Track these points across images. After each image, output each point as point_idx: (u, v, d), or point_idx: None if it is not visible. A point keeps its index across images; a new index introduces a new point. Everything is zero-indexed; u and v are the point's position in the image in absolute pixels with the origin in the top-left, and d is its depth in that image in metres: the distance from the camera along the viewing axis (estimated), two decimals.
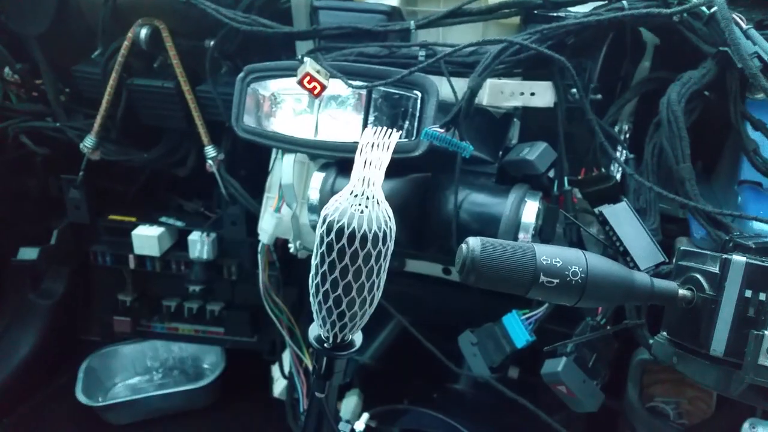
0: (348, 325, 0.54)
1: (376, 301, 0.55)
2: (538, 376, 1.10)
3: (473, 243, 0.54)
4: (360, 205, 0.54)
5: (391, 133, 0.56)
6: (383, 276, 0.53)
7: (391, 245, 0.54)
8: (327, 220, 0.55)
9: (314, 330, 0.61)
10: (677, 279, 0.62)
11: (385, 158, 0.55)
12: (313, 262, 0.57)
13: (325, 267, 0.55)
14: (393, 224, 0.56)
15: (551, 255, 0.54)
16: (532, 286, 0.54)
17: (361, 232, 0.53)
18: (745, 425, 1.18)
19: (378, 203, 0.55)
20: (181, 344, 1.76)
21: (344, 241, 0.53)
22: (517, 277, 0.53)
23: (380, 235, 0.54)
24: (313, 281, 0.58)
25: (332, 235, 0.53)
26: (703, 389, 1.25)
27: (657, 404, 1.31)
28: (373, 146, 0.55)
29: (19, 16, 1.28)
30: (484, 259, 0.53)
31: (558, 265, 0.54)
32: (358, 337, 0.58)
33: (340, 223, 0.54)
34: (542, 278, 0.53)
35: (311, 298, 0.59)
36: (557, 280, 0.53)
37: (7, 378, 1.63)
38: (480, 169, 1.05)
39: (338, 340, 0.55)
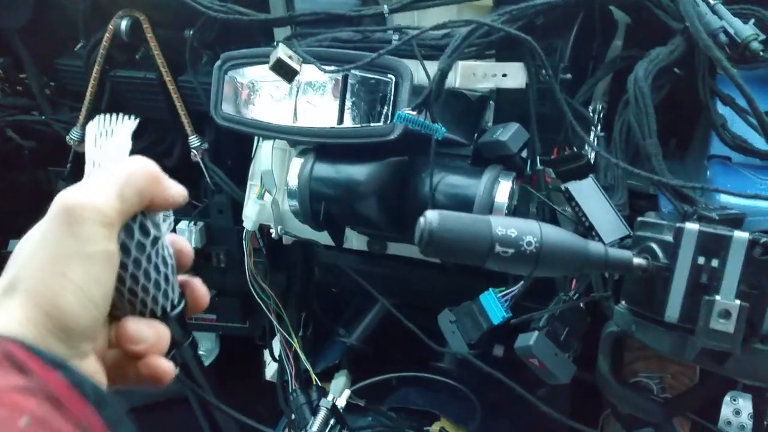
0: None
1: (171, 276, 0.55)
2: None
3: (430, 216, 0.55)
4: None
5: (121, 119, 0.55)
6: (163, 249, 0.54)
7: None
8: None
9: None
10: (634, 249, 0.63)
11: (120, 149, 0.53)
12: None
13: None
14: None
15: (506, 225, 0.56)
16: (488, 256, 0.55)
17: None
18: (726, 398, 1.21)
19: None
20: None
21: None
22: (473, 248, 0.55)
23: None
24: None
25: None
26: (686, 365, 1.28)
27: (641, 379, 1.34)
28: (100, 137, 0.53)
29: None
30: (441, 231, 0.54)
31: (513, 235, 0.55)
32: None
33: None
34: (498, 248, 0.55)
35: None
36: (512, 250, 0.55)
37: None
38: (456, 152, 1.06)
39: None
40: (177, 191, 0.52)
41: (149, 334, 0.51)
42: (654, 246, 0.61)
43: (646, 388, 1.32)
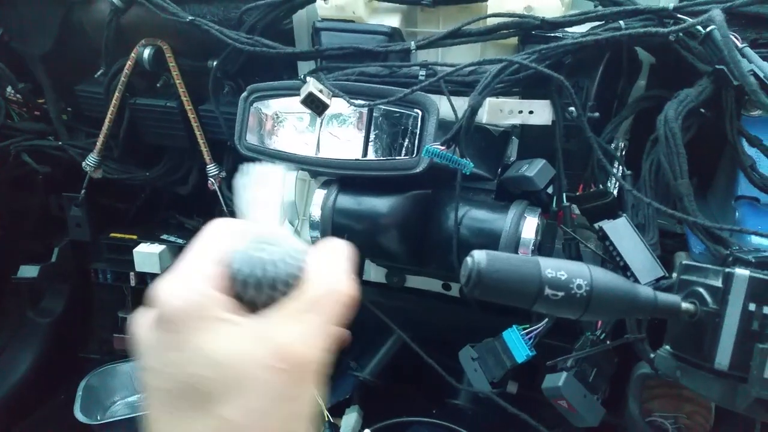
0: None
1: None
2: (537, 391, 1.10)
3: (478, 256, 0.54)
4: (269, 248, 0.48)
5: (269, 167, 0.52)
6: None
7: None
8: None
9: None
10: (680, 293, 0.62)
11: (272, 192, 0.51)
12: None
13: None
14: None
15: (556, 268, 0.55)
16: (537, 299, 0.54)
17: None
18: None
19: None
20: None
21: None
22: (523, 290, 0.54)
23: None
24: None
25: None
26: (702, 404, 1.26)
27: (655, 419, 1.32)
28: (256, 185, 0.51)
29: (23, 36, 1.30)
30: (489, 272, 0.53)
31: (563, 278, 0.54)
32: None
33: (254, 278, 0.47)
34: (547, 291, 0.54)
35: None
36: (562, 293, 0.54)
37: (4, 396, 1.62)
38: (479, 186, 1.06)
39: None
40: None
41: None
42: (702, 291, 0.60)
43: (660, 427, 1.30)
